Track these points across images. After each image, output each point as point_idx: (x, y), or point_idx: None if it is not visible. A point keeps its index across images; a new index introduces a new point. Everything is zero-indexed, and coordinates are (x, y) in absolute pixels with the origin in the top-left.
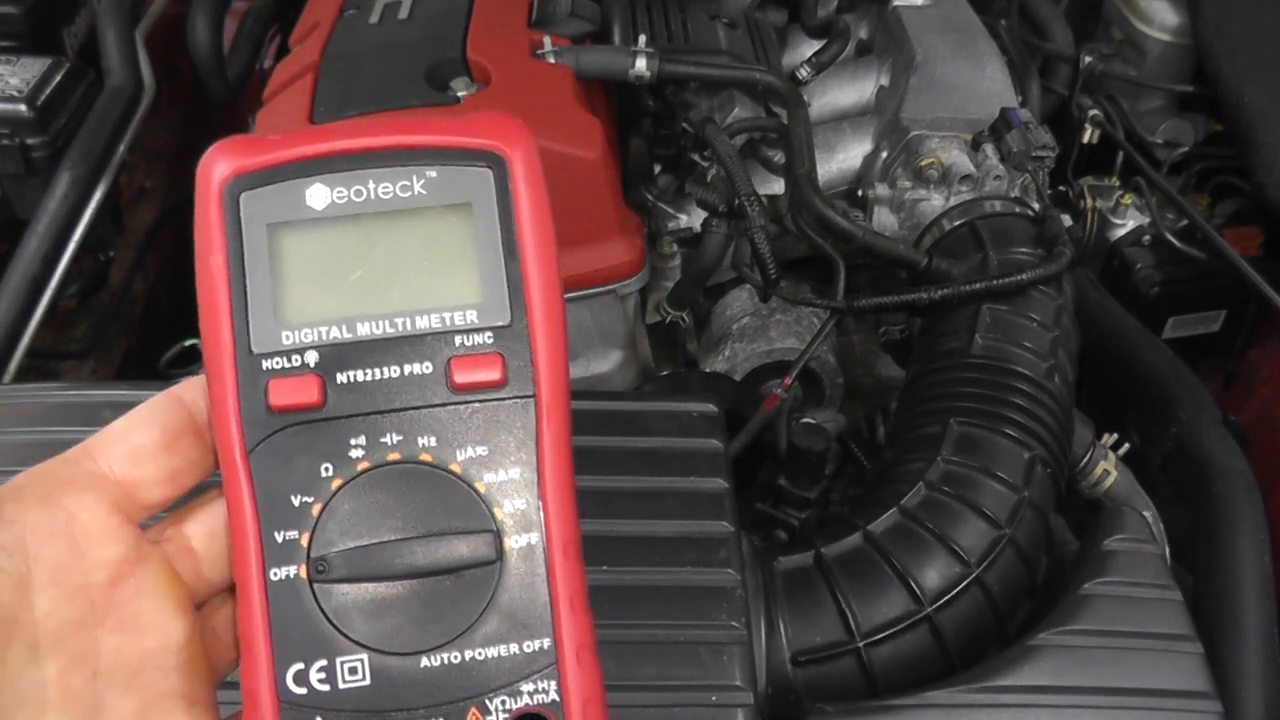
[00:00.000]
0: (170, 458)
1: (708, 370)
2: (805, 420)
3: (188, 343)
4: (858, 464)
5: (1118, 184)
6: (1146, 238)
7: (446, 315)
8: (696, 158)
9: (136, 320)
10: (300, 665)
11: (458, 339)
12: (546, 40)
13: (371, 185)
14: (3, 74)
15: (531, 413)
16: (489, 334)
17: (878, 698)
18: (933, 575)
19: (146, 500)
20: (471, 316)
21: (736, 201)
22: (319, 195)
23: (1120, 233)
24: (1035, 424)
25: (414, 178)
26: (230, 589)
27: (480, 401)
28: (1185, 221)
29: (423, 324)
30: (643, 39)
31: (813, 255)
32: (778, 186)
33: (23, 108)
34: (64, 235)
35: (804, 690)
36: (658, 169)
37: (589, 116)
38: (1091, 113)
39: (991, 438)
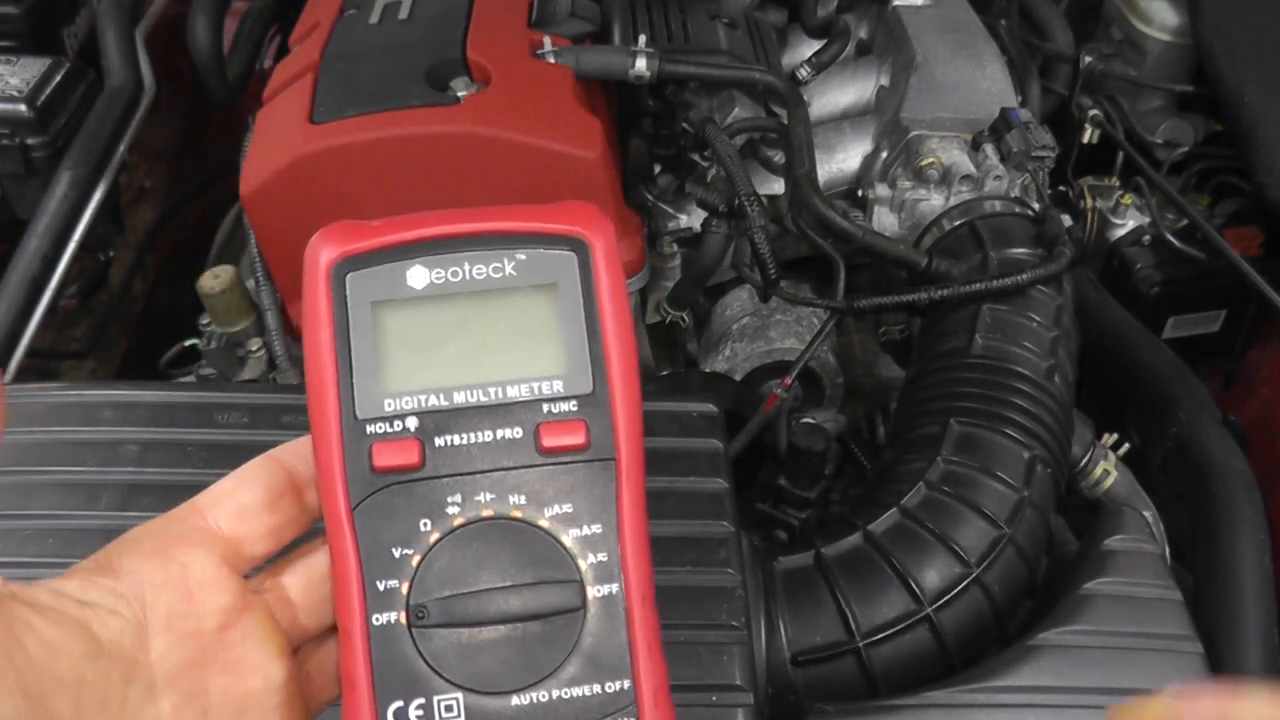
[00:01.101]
0: (272, 515)
1: (708, 370)
2: (805, 420)
3: (187, 343)
4: (858, 464)
5: (1118, 184)
6: (1146, 238)
7: (535, 385)
8: (696, 158)
9: (136, 320)
10: (400, 703)
11: (545, 406)
12: (546, 40)
13: (467, 267)
14: (3, 74)
15: (612, 473)
16: (574, 402)
17: (878, 698)
18: (933, 575)
19: (251, 554)
20: (558, 386)
21: (736, 201)
22: (418, 276)
23: (1120, 233)
24: (1035, 424)
25: (505, 260)
26: (323, 635)
27: (566, 463)
28: (1185, 221)
29: (513, 393)
30: (643, 39)
31: (813, 255)
32: (778, 186)
33: (23, 108)
34: (64, 235)
35: (804, 690)
36: (658, 169)
37: (589, 116)
38: (1091, 113)
39: (991, 438)
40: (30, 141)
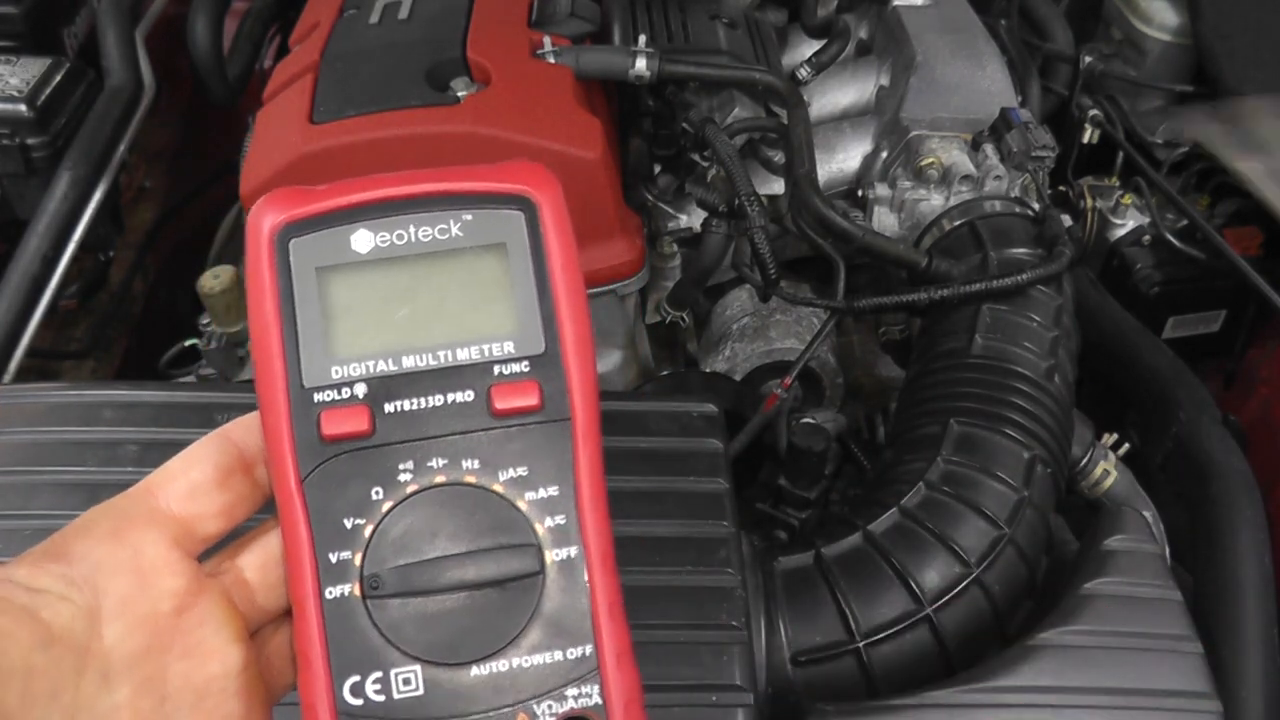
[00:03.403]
0: (224, 493)
1: (708, 370)
2: (805, 420)
3: (187, 343)
4: (858, 464)
5: (1118, 184)
6: (1146, 238)
7: (485, 347)
8: (696, 158)
9: (136, 320)
10: (356, 678)
11: (496, 368)
12: (546, 40)
13: (412, 229)
14: (3, 74)
15: (567, 434)
16: (525, 363)
17: (878, 698)
18: (933, 575)
19: (203, 534)
20: (509, 347)
21: (736, 201)
22: (363, 240)
23: (1120, 233)
24: (1035, 424)
25: (451, 221)
26: (282, 616)
27: (519, 425)
28: (1185, 221)
29: (463, 355)
30: (643, 39)
31: (813, 255)
32: (778, 186)
33: (23, 108)
34: (64, 235)
35: (804, 690)
36: (658, 169)
37: (589, 116)
38: (1091, 113)
39: (991, 438)
40: (30, 141)
